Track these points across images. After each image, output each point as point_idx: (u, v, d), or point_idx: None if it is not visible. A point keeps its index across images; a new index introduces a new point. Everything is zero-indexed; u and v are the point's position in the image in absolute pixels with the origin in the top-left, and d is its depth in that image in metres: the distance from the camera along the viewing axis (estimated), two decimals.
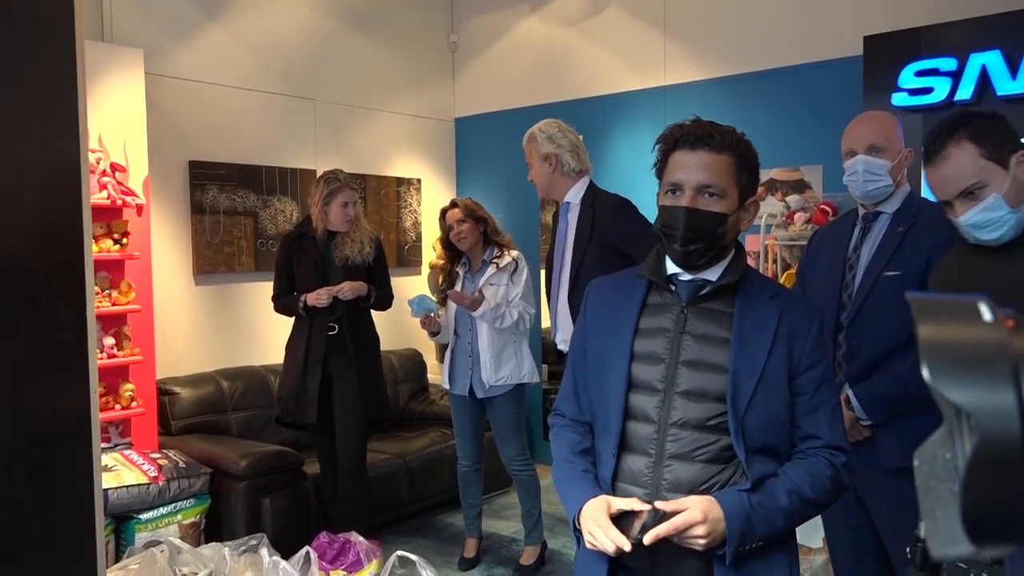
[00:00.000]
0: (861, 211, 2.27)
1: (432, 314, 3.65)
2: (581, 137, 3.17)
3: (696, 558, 1.41)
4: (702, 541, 1.33)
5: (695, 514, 1.32)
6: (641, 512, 1.36)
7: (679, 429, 1.44)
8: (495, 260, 3.67)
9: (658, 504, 1.36)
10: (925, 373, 0.27)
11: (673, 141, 1.47)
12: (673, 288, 1.50)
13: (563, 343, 3.10)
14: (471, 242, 3.65)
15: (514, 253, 3.70)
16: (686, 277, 1.49)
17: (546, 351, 5.16)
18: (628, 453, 1.49)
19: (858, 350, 2.14)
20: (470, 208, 3.67)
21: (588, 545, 1.41)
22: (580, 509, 1.42)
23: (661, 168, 1.50)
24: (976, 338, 0.27)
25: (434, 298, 3.72)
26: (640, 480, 1.46)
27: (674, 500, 1.37)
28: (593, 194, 3.02)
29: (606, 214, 2.93)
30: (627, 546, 1.32)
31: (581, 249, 3.01)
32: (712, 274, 1.48)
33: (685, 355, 1.46)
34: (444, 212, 3.73)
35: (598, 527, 1.36)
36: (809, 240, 2.54)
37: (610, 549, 1.33)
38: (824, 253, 2.33)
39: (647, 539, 1.31)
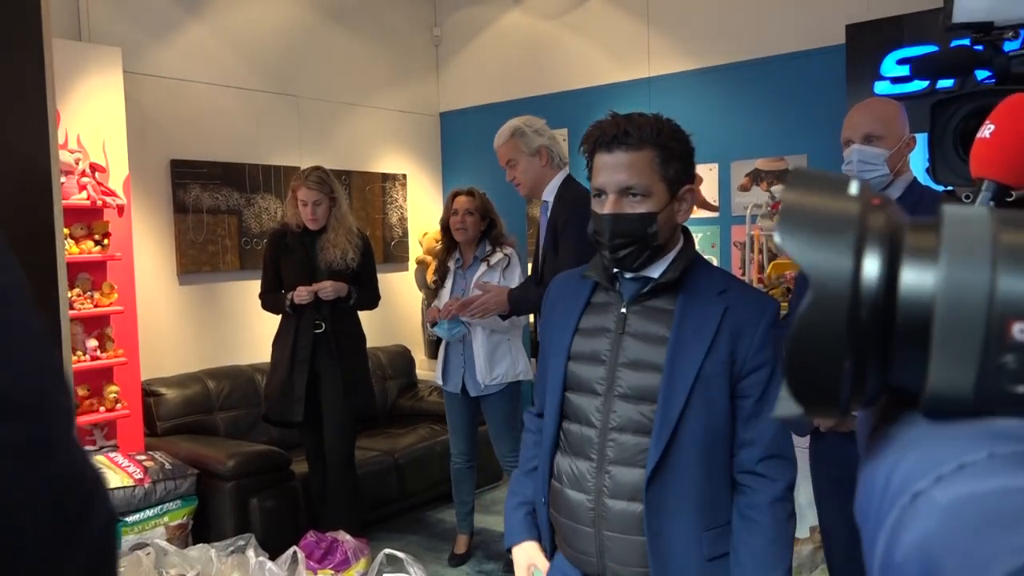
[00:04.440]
0: None
1: (464, 334, 3.59)
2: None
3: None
4: None
5: None
6: None
7: (619, 433, 1.40)
8: (486, 258, 3.64)
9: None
10: (775, 235, 0.28)
11: (592, 143, 1.42)
12: (617, 287, 1.47)
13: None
14: (470, 236, 3.61)
15: (507, 250, 3.67)
16: (629, 275, 1.45)
17: (535, 345, 5.15)
18: (572, 457, 1.46)
19: None
20: (484, 204, 3.63)
21: None
22: (512, 546, 1.57)
23: (589, 171, 1.45)
24: (832, 206, 0.28)
25: (428, 291, 3.66)
26: (584, 485, 1.43)
27: None
28: (565, 188, 3.00)
29: (562, 211, 2.91)
30: None
31: (546, 248, 3.00)
32: (655, 271, 1.43)
33: (625, 356, 1.42)
34: (455, 195, 3.64)
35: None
36: None
37: None
38: None
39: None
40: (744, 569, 1.35)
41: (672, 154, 1.38)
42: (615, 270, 1.45)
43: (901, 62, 3.52)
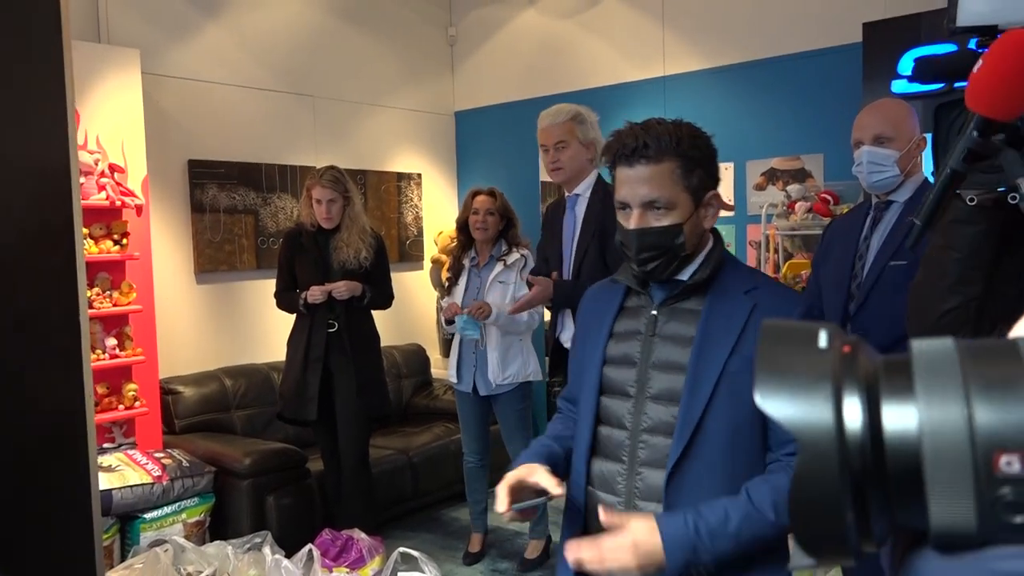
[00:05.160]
0: (874, 200, 2.24)
1: (476, 339, 3.60)
2: None
3: None
4: (633, 568, 1.24)
5: (623, 543, 1.24)
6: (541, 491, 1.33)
7: (650, 435, 1.40)
8: (503, 257, 3.65)
9: (601, 516, 1.29)
10: (756, 396, 0.28)
11: (612, 155, 1.41)
12: (648, 290, 1.47)
13: (569, 341, 3.10)
14: (490, 235, 3.63)
15: (523, 250, 3.68)
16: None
17: (548, 344, 5.15)
18: (602, 459, 1.46)
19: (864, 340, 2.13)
20: (505, 205, 3.66)
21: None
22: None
23: (613, 182, 1.45)
24: (805, 362, 0.28)
25: (441, 289, 3.67)
26: (614, 487, 1.43)
27: (615, 516, 1.29)
28: (603, 189, 3.00)
29: (612, 211, 2.91)
30: (500, 508, 1.31)
31: (584, 245, 3.00)
32: (685, 274, 1.43)
33: (655, 358, 1.42)
34: (474, 194, 3.66)
35: (502, 484, 1.34)
36: (823, 232, 2.52)
37: (499, 508, 1.33)
38: (837, 244, 2.30)
39: (568, 556, 1.26)
40: (735, 501, 1.31)
41: (694, 162, 1.37)
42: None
43: (918, 60, 3.49)
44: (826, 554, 0.29)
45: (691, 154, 1.37)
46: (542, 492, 1.35)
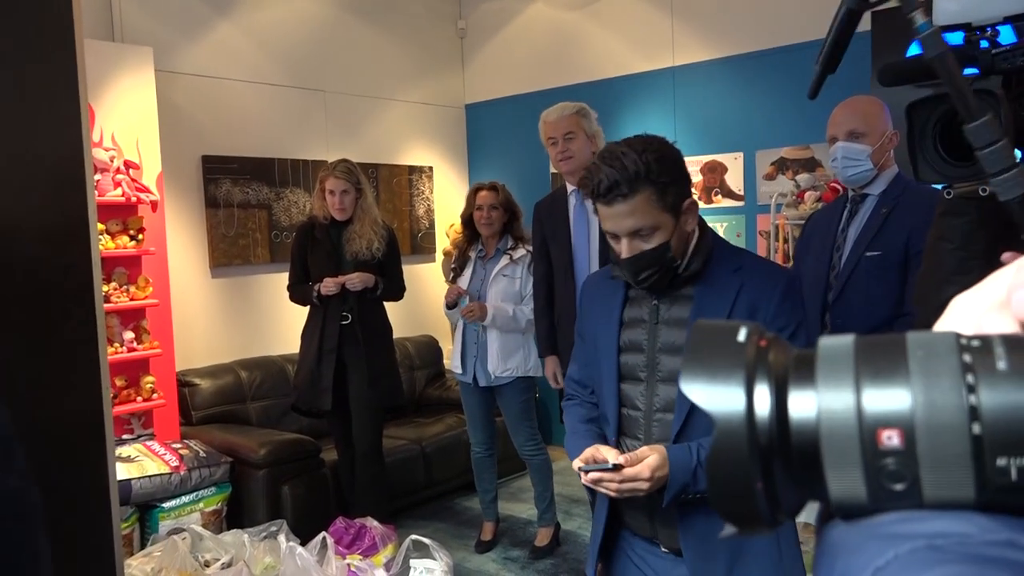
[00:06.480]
0: (850, 194, 2.32)
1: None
2: None
3: (691, 525, 1.50)
4: (644, 488, 1.42)
5: (642, 471, 1.41)
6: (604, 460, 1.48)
7: (662, 414, 1.52)
8: (509, 251, 3.68)
9: (620, 460, 1.44)
10: (680, 383, 0.32)
11: (588, 194, 1.49)
12: None
13: None
14: (496, 229, 3.67)
15: (528, 246, 3.71)
16: None
17: None
18: (624, 438, 1.59)
19: (842, 329, 2.17)
20: (508, 198, 3.70)
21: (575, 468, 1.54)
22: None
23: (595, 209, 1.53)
24: (723, 353, 0.32)
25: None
26: None
27: (634, 454, 1.44)
28: None
29: None
30: (575, 464, 1.50)
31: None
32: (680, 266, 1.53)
33: (661, 342, 1.52)
34: (477, 190, 3.71)
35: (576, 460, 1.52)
36: (804, 224, 2.59)
37: (575, 464, 1.50)
38: (816, 236, 2.38)
39: (587, 479, 1.45)
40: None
41: (667, 182, 1.45)
42: None
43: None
44: (744, 522, 0.32)
45: (663, 176, 1.44)
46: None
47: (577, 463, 1.49)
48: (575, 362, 1.75)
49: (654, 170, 1.43)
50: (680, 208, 1.48)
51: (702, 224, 1.56)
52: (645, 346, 1.54)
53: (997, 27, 0.86)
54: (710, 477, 0.32)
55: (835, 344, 0.32)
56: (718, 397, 0.31)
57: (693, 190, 1.53)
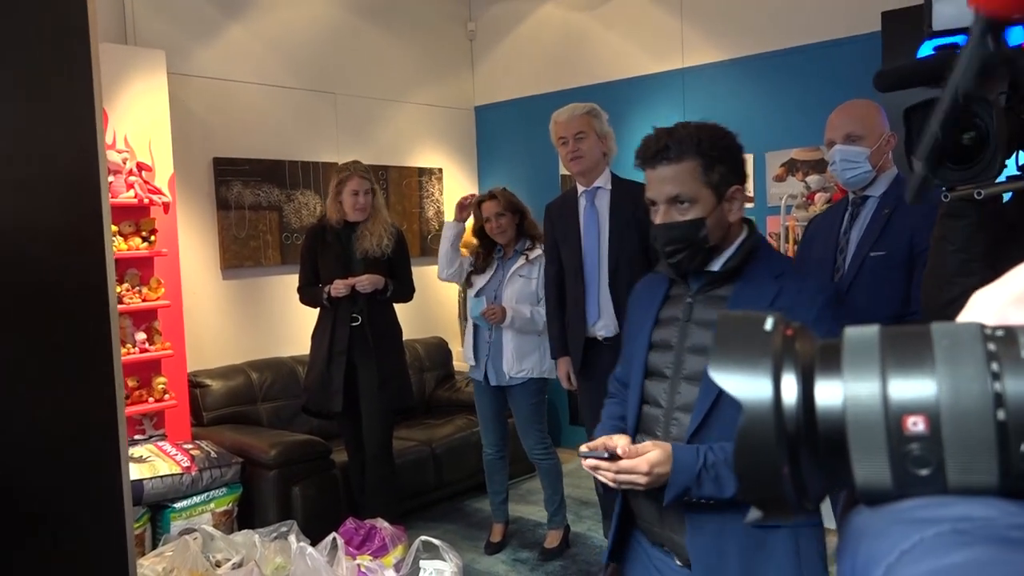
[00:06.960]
0: (851, 196, 2.33)
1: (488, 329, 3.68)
2: None
3: (701, 525, 1.48)
4: (642, 482, 1.41)
5: (639, 465, 1.40)
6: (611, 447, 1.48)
7: (682, 413, 1.51)
8: (526, 251, 3.69)
9: (619, 450, 1.43)
10: (709, 370, 0.33)
11: (640, 159, 1.52)
12: (687, 279, 1.58)
13: (604, 329, 3.16)
14: (510, 235, 3.67)
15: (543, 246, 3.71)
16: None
17: None
18: (643, 434, 1.59)
19: None
20: (510, 201, 3.69)
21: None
22: None
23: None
24: (751, 343, 0.32)
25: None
26: None
27: (635, 446, 1.44)
28: (626, 183, 3.11)
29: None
30: (580, 448, 1.50)
31: (618, 234, 3.09)
32: (716, 264, 1.53)
33: (690, 341, 1.52)
34: (480, 203, 3.71)
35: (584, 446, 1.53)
36: (806, 227, 2.60)
37: (580, 448, 1.51)
38: (818, 239, 2.40)
39: (586, 464, 1.46)
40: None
41: (714, 160, 1.47)
42: None
43: (937, 49, 3.46)
44: (770, 508, 0.33)
45: (711, 153, 1.46)
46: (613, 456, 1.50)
47: (582, 448, 1.51)
48: (620, 360, 1.78)
49: (705, 143, 1.46)
50: (724, 192, 1.49)
51: (751, 225, 1.57)
52: (674, 344, 1.55)
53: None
54: (737, 462, 0.32)
55: (861, 334, 0.33)
56: (746, 385, 0.32)
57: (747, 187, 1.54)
